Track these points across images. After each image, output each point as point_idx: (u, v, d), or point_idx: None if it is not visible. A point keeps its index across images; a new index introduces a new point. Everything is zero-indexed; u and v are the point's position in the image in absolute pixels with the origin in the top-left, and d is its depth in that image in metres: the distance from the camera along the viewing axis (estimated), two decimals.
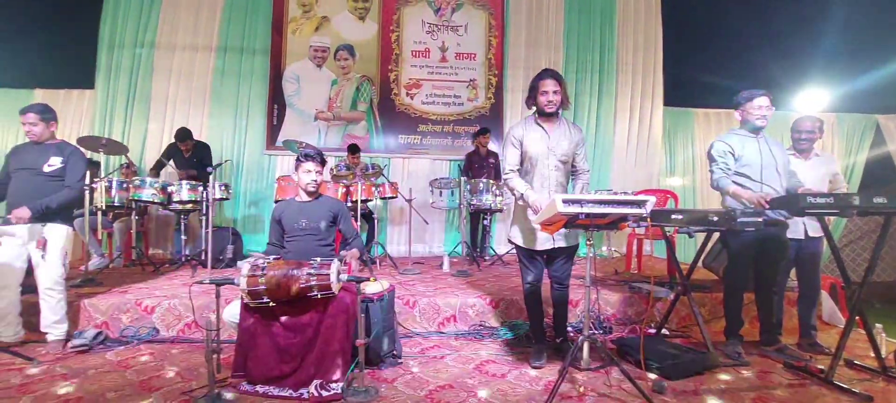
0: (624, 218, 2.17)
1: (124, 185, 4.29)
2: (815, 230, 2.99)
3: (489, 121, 6.20)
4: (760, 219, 2.43)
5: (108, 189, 4.19)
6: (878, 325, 2.74)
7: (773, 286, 2.93)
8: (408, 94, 6.32)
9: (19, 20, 5.56)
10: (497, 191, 4.82)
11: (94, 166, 4.73)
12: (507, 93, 6.44)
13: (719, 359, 2.70)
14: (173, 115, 5.89)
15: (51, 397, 2.21)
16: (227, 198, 4.71)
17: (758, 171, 2.78)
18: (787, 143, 3.21)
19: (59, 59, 5.82)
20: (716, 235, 3.22)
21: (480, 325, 3.29)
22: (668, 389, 2.32)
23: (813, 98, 6.37)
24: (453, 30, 6.43)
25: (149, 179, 4.34)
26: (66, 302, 2.93)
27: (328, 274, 2.22)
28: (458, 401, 2.22)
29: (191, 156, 5.01)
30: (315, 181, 2.67)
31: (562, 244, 2.59)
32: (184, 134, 4.93)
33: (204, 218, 4.19)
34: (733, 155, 2.83)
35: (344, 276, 2.29)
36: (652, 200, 2.06)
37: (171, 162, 5.08)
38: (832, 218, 3.70)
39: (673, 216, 2.75)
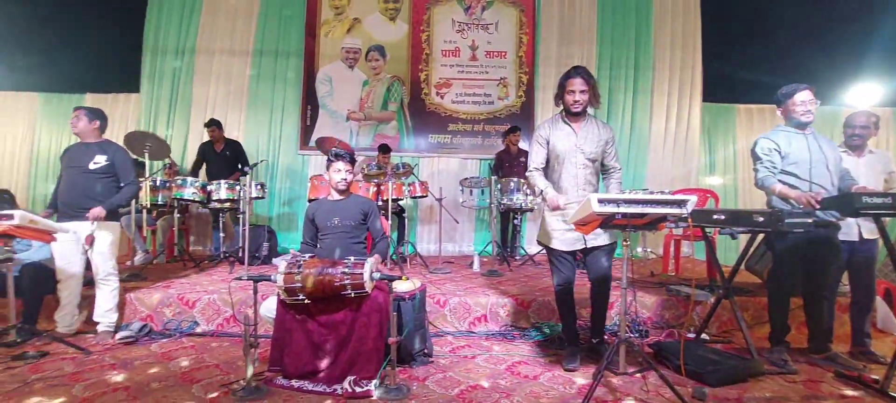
0: (663, 218, 2.10)
1: (167, 184, 4.48)
2: (870, 232, 2.81)
3: (520, 120, 6.14)
4: (810, 220, 2.31)
5: (153, 188, 4.39)
6: None
7: (824, 290, 2.76)
8: (438, 94, 6.33)
9: (71, 29, 5.90)
10: (528, 191, 4.76)
11: (138, 167, 4.95)
12: (539, 91, 6.36)
13: (764, 367, 2.58)
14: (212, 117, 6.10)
15: (101, 385, 2.33)
16: (262, 197, 4.85)
17: (806, 170, 2.64)
18: (839, 140, 3.04)
19: (107, 65, 6.14)
20: (760, 236, 3.08)
21: (511, 326, 3.26)
22: (710, 396, 2.23)
23: (866, 92, 6.02)
24: (483, 28, 6.40)
25: (190, 179, 4.52)
26: (119, 293, 3.12)
27: (362, 273, 2.24)
28: (491, 402, 2.20)
29: (224, 150, 5.20)
30: (345, 179, 2.72)
31: (596, 242, 2.53)
32: (211, 120, 5.18)
33: (241, 216, 4.33)
34: (779, 152, 2.69)
35: (377, 275, 2.31)
36: (693, 199, 1.99)
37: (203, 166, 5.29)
38: (888, 219, 3.48)
39: (714, 216, 2.64)
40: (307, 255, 2.45)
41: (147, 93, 6.09)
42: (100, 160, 3.05)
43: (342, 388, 2.22)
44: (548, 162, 2.66)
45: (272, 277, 2.28)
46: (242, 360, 2.19)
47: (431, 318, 3.19)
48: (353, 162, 2.79)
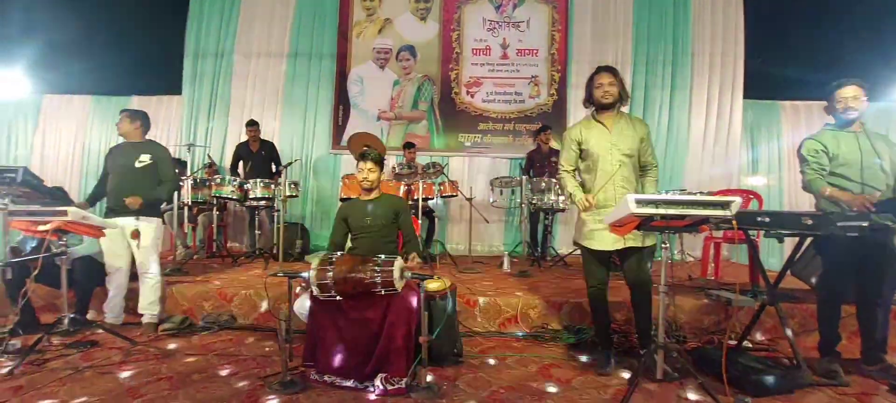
0: (705, 220, 2.02)
1: (207, 183, 4.65)
2: None
3: (552, 119, 6.05)
4: (866, 224, 2.17)
5: (194, 186, 4.56)
6: None
7: (878, 298, 2.59)
8: (468, 93, 6.31)
9: (119, 35, 6.23)
10: (559, 191, 4.68)
11: (180, 165, 5.17)
12: (571, 89, 6.23)
13: (812, 377, 2.43)
14: (250, 118, 6.29)
15: (145, 374, 2.43)
16: (296, 196, 4.96)
17: (857, 171, 2.48)
18: None
19: (151, 68, 6.44)
20: (808, 240, 2.92)
21: (543, 327, 3.22)
22: None
23: None
24: (515, 26, 6.33)
25: (228, 177, 4.67)
26: (162, 287, 3.26)
27: (392, 271, 2.26)
28: None
29: (259, 150, 5.37)
30: (370, 179, 2.76)
31: (633, 244, 2.45)
32: (252, 121, 5.39)
33: (276, 214, 4.44)
34: (827, 154, 2.54)
35: (408, 274, 2.32)
36: (738, 201, 1.90)
37: (240, 165, 5.46)
38: None
39: (758, 218, 2.52)
40: (339, 253, 2.49)
41: (188, 94, 6.35)
42: (144, 159, 3.20)
43: (374, 386, 2.24)
44: (582, 162, 2.62)
45: (304, 274, 2.32)
46: (277, 354, 2.24)
47: (461, 318, 3.18)
48: (380, 162, 2.82)
